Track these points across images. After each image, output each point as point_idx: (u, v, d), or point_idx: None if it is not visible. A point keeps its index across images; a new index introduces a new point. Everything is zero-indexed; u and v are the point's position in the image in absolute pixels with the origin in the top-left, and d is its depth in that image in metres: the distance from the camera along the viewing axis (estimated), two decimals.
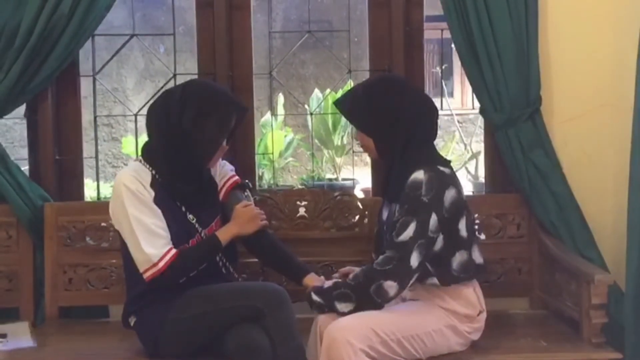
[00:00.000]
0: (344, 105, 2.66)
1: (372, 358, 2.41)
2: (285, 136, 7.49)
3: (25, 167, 3.24)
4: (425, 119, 2.60)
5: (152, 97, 2.92)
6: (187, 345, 2.54)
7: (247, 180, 2.87)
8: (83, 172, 3.33)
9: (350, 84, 5.14)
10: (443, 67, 7.22)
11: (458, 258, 2.54)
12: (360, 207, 3.09)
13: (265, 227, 2.76)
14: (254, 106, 3.35)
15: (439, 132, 2.71)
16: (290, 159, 7.93)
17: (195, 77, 3.19)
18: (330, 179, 7.21)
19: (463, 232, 2.55)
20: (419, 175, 2.48)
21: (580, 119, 3.13)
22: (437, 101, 2.83)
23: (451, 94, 9.44)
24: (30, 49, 2.96)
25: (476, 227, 3.01)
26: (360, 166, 6.15)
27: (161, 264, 2.49)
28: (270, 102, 6.84)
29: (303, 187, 6.31)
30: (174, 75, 3.37)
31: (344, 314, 2.46)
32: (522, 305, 3.11)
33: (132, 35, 3.53)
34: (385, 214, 2.66)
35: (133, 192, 2.52)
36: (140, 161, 2.63)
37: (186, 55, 4.20)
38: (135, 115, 3.53)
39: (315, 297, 2.52)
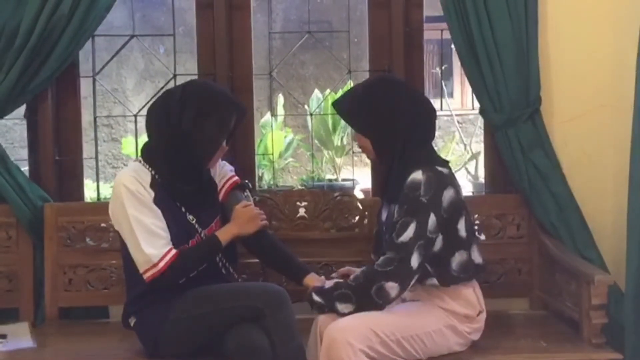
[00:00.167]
0: (341, 106, 2.66)
1: (371, 358, 2.41)
2: (285, 137, 7.48)
3: (25, 168, 3.24)
4: (423, 120, 2.60)
5: (152, 97, 2.92)
6: (187, 346, 2.54)
7: (246, 181, 2.87)
8: (83, 173, 3.33)
9: (350, 85, 5.14)
10: (443, 67, 7.21)
11: (457, 258, 2.54)
12: (360, 207, 3.09)
13: (265, 227, 2.76)
14: (254, 107, 3.35)
15: (439, 133, 2.72)
16: (290, 159, 7.92)
17: (195, 77, 3.19)
18: (330, 180, 7.21)
19: (462, 232, 2.55)
20: (418, 175, 2.48)
21: (580, 120, 3.13)
22: (437, 102, 2.83)
23: (451, 95, 9.43)
24: (30, 50, 2.96)
25: (476, 227, 3.01)
26: (360, 167, 6.16)
27: (161, 265, 2.49)
28: (270, 103, 6.85)
29: (303, 187, 6.31)
30: (174, 76, 3.37)
31: (344, 315, 2.46)
32: (522, 306, 3.11)
33: (132, 36, 3.54)
34: (384, 215, 2.66)
35: (133, 192, 2.52)
36: (140, 162, 2.63)
37: (186, 55, 4.20)
38: (135, 115, 3.53)
39: (316, 297, 2.52)
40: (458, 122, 8.37)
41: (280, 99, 7.73)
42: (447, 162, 2.64)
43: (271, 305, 2.46)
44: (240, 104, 2.71)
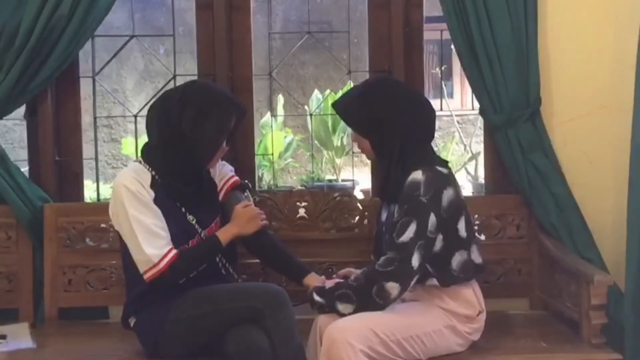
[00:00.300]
0: (341, 107, 2.67)
1: (371, 359, 2.41)
2: (285, 137, 7.48)
3: (24, 168, 3.24)
4: (423, 120, 2.60)
5: (152, 98, 2.92)
6: (187, 346, 2.54)
7: (246, 181, 2.87)
8: (83, 173, 3.33)
9: (350, 85, 5.14)
10: (443, 68, 7.22)
11: (458, 258, 2.54)
12: (360, 208, 3.10)
13: (265, 227, 2.77)
14: (254, 107, 3.35)
15: (439, 133, 2.72)
16: (290, 159, 7.92)
17: (195, 78, 3.19)
18: (330, 180, 7.20)
19: (462, 232, 2.55)
20: (417, 175, 2.48)
21: (580, 120, 3.13)
22: (436, 102, 2.84)
23: (451, 95, 9.43)
24: (30, 50, 2.96)
25: (476, 227, 3.01)
26: (360, 167, 6.15)
27: (161, 265, 2.49)
28: (270, 103, 6.85)
29: (303, 188, 6.31)
30: (174, 76, 3.37)
31: (344, 315, 2.46)
32: (521, 306, 3.11)
33: (131, 36, 3.54)
34: (384, 215, 2.66)
35: (133, 192, 2.52)
36: (140, 162, 2.64)
37: (186, 56, 4.20)
38: (135, 116, 3.53)
39: (316, 297, 2.52)
40: (458, 122, 8.37)
41: (280, 100, 7.73)
42: (447, 162, 2.65)
43: (271, 305, 2.46)
44: (240, 104, 2.71)
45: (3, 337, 2.82)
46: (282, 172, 8.33)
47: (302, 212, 3.10)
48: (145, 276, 2.51)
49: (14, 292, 3.08)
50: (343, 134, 7.15)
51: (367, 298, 2.45)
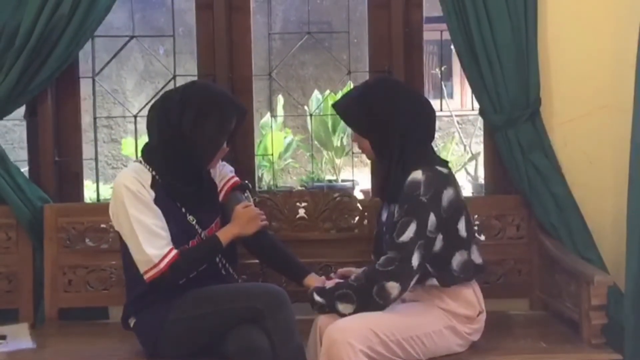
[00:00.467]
0: (341, 108, 2.67)
1: (371, 359, 2.41)
2: (285, 137, 7.48)
3: (24, 169, 3.24)
4: (422, 120, 2.61)
5: (152, 98, 2.92)
6: (187, 347, 2.54)
7: (246, 181, 2.87)
8: (83, 174, 3.33)
9: (350, 86, 5.13)
10: (443, 68, 7.23)
11: (458, 258, 2.54)
12: (360, 208, 3.10)
13: (265, 228, 2.77)
14: (254, 107, 3.35)
15: (439, 134, 2.72)
16: (290, 160, 7.91)
17: (195, 78, 3.19)
18: (329, 180, 7.20)
19: (462, 232, 2.55)
20: (417, 175, 2.48)
21: (580, 120, 3.13)
22: (436, 102, 2.84)
23: (451, 95, 9.43)
24: (30, 50, 2.96)
25: (476, 228, 3.01)
26: (359, 167, 6.15)
27: (162, 265, 2.49)
28: (270, 104, 6.85)
29: (303, 188, 6.31)
30: (174, 77, 3.37)
31: (344, 315, 2.46)
32: (521, 306, 3.11)
33: (131, 37, 3.54)
34: (384, 215, 2.66)
35: (134, 193, 2.52)
36: (141, 162, 2.64)
37: (186, 56, 4.20)
38: (135, 116, 3.53)
39: (317, 297, 2.52)
40: (458, 122, 8.37)
41: (280, 100, 7.72)
42: (447, 162, 2.65)
43: (271, 306, 2.46)
44: (240, 105, 2.71)
45: (3, 337, 2.82)
46: (282, 172, 8.32)
47: (302, 212, 3.10)
48: (146, 276, 2.51)
49: (14, 292, 3.08)
50: (343, 135, 7.15)
51: (368, 298, 2.45)
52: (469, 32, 2.99)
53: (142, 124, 2.72)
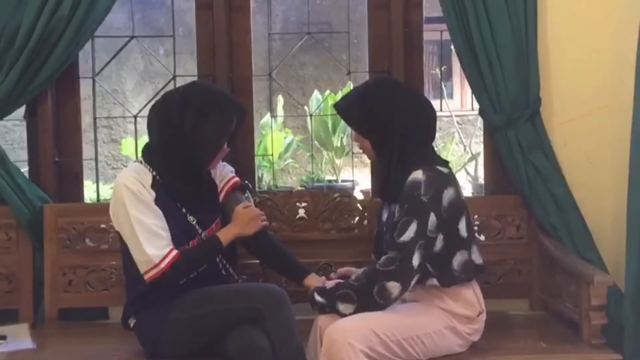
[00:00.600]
0: (342, 108, 2.68)
1: (371, 359, 2.41)
2: (285, 138, 7.47)
3: (24, 169, 3.23)
4: (423, 120, 2.61)
5: (152, 98, 2.92)
6: (187, 347, 2.54)
7: (247, 182, 2.87)
8: (83, 174, 3.33)
9: (349, 86, 5.13)
10: (442, 68, 7.22)
11: (459, 258, 2.55)
12: (360, 208, 3.10)
13: (265, 228, 2.77)
14: (254, 108, 3.35)
15: (439, 134, 2.71)
16: (290, 160, 7.91)
17: (195, 78, 3.19)
18: (329, 181, 7.20)
19: (463, 232, 2.55)
20: (418, 175, 2.49)
21: (580, 120, 3.13)
22: (436, 102, 2.84)
23: (451, 96, 9.43)
24: (30, 51, 2.96)
25: (475, 228, 3.01)
26: (359, 168, 6.15)
27: (162, 265, 2.49)
28: (270, 104, 6.84)
29: (303, 188, 6.30)
30: (174, 77, 3.37)
31: (344, 315, 2.46)
32: (521, 307, 3.11)
33: (131, 37, 3.54)
34: (384, 215, 2.66)
35: (134, 193, 2.52)
36: (141, 162, 2.64)
37: (186, 57, 4.20)
38: (135, 117, 3.53)
39: (317, 297, 2.52)
40: (458, 123, 8.37)
41: (280, 100, 7.72)
42: (448, 162, 2.65)
43: (271, 306, 2.46)
44: (241, 105, 2.71)
45: (3, 337, 2.82)
46: (282, 172, 8.33)
47: (302, 212, 3.10)
48: (146, 276, 2.51)
49: (14, 292, 3.08)
50: (343, 135, 7.15)
51: (368, 298, 2.45)
52: (469, 32, 2.99)
53: (142, 124, 2.72)
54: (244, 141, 3.21)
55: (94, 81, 3.40)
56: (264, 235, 2.76)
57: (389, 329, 2.44)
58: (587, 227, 3.02)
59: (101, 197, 4.12)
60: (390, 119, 2.55)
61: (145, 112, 2.67)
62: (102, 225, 3.06)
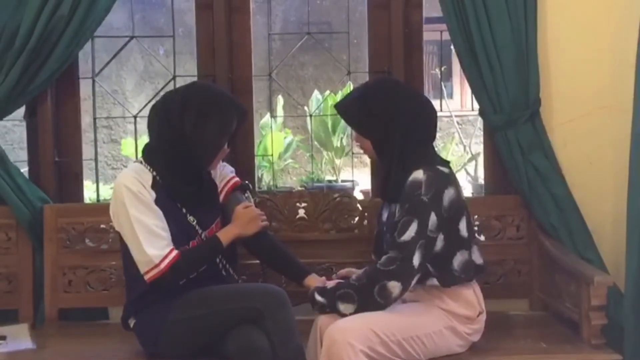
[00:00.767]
0: (342, 108, 2.68)
1: (372, 359, 2.41)
2: (285, 138, 7.47)
3: (24, 169, 3.23)
4: (423, 120, 2.61)
5: (152, 99, 2.92)
6: (187, 347, 2.54)
7: (247, 182, 2.87)
8: (82, 174, 3.33)
9: (349, 86, 5.13)
10: (442, 68, 7.22)
11: (459, 258, 2.55)
12: (360, 208, 3.10)
13: (265, 228, 2.77)
14: (254, 108, 3.35)
15: (439, 134, 2.71)
16: (290, 160, 7.91)
17: (195, 79, 3.19)
18: (329, 181, 7.19)
19: (463, 232, 2.55)
20: (419, 175, 2.49)
21: (580, 121, 3.13)
22: (436, 103, 2.84)
23: (450, 96, 9.43)
24: (30, 51, 2.96)
25: (475, 228, 3.01)
26: (359, 168, 6.15)
27: (163, 265, 2.49)
28: (270, 104, 6.83)
29: (302, 188, 6.30)
30: (174, 77, 3.37)
31: (344, 316, 2.46)
32: (521, 307, 3.11)
33: (131, 37, 3.54)
34: (385, 215, 2.67)
35: (134, 193, 2.52)
36: (141, 162, 2.64)
37: (186, 57, 4.19)
38: (135, 117, 3.53)
39: (318, 297, 2.52)
40: (457, 123, 8.37)
41: (280, 100, 7.72)
42: (448, 162, 2.65)
43: (271, 306, 2.46)
44: (241, 106, 2.71)
45: (3, 338, 2.82)
46: (281, 172, 8.32)
47: (301, 212, 3.10)
48: (146, 277, 2.50)
49: (14, 293, 3.08)
50: (343, 135, 7.14)
51: (369, 297, 2.45)
52: (468, 33, 2.99)
53: (142, 125, 2.72)
54: (244, 141, 3.21)
55: (93, 81, 3.40)
56: (264, 236, 2.76)
57: (389, 329, 2.44)
58: (587, 228, 3.02)
59: (101, 198, 4.12)
60: (391, 119, 2.56)
61: (145, 112, 2.67)
62: (102, 226, 3.06)
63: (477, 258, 2.62)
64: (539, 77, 3.03)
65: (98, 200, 3.93)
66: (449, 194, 2.50)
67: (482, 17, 2.96)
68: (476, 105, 3.14)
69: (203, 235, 2.64)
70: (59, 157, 3.23)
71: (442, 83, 7.87)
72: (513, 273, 3.10)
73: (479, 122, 7.06)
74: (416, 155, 2.55)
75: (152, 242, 2.49)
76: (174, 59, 3.42)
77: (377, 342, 2.41)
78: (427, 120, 2.63)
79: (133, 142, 3.87)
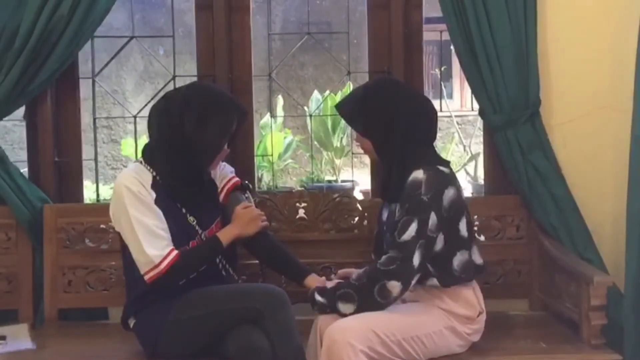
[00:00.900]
0: (343, 108, 2.68)
1: (372, 359, 2.41)
2: (285, 138, 7.47)
3: (24, 169, 3.23)
4: (423, 120, 2.61)
5: (152, 99, 2.92)
6: (187, 347, 2.54)
7: (247, 182, 2.87)
8: (82, 174, 3.33)
9: (349, 86, 5.13)
10: (442, 68, 7.22)
11: (459, 258, 2.55)
12: (360, 208, 3.10)
13: (265, 229, 2.77)
14: (254, 108, 3.35)
15: (439, 134, 2.72)
16: (290, 160, 7.91)
17: (195, 79, 3.19)
18: (329, 181, 7.20)
19: (463, 232, 2.55)
20: (419, 174, 2.49)
21: (580, 121, 3.13)
22: (436, 103, 2.83)
23: (450, 96, 9.44)
24: (30, 51, 2.96)
25: (475, 228, 3.01)
26: (359, 168, 6.15)
27: (163, 265, 2.49)
28: (270, 104, 6.83)
29: (302, 188, 6.30)
30: (174, 77, 3.37)
31: (344, 316, 2.46)
32: (521, 307, 3.11)
33: (131, 37, 3.54)
34: (385, 215, 2.67)
35: (134, 193, 2.52)
36: (141, 162, 2.64)
37: (185, 57, 4.20)
38: (135, 117, 3.53)
39: (318, 297, 2.52)
40: (457, 123, 8.38)
41: (280, 100, 7.72)
42: (448, 162, 2.65)
43: (271, 306, 2.46)
44: (241, 106, 2.71)
45: (3, 338, 2.82)
46: (281, 173, 8.32)
47: (301, 212, 3.10)
48: (146, 277, 2.50)
49: (14, 293, 3.08)
50: (343, 135, 7.15)
51: (369, 297, 2.45)
52: (468, 33, 2.99)
53: (142, 125, 2.72)
54: (243, 141, 3.21)
55: (93, 81, 3.40)
56: (264, 236, 2.76)
57: (389, 329, 2.44)
58: (587, 228, 3.02)
59: (101, 198, 4.12)
60: (391, 119, 2.56)
61: (145, 112, 2.67)
62: (102, 226, 3.06)
63: (477, 258, 2.62)
64: (538, 77, 3.03)
65: (98, 200, 3.92)
66: (449, 193, 2.51)
67: (482, 17, 2.96)
68: (476, 105, 3.14)
69: (203, 236, 2.64)
70: (58, 157, 3.23)
71: (442, 83, 7.88)
72: (513, 273, 3.10)
73: (479, 122, 7.07)
74: (416, 155, 2.55)
75: (152, 243, 2.49)
76: (174, 59, 3.42)
77: (377, 342, 2.41)
78: (428, 120, 2.63)
79: (133, 142, 3.88)
